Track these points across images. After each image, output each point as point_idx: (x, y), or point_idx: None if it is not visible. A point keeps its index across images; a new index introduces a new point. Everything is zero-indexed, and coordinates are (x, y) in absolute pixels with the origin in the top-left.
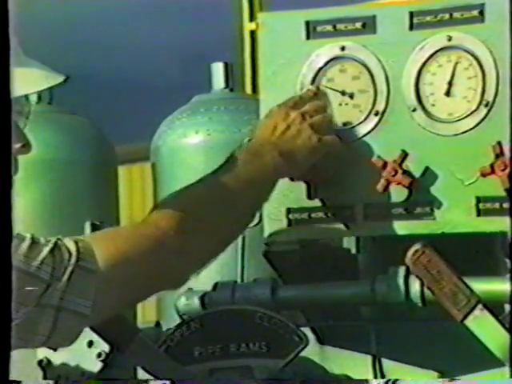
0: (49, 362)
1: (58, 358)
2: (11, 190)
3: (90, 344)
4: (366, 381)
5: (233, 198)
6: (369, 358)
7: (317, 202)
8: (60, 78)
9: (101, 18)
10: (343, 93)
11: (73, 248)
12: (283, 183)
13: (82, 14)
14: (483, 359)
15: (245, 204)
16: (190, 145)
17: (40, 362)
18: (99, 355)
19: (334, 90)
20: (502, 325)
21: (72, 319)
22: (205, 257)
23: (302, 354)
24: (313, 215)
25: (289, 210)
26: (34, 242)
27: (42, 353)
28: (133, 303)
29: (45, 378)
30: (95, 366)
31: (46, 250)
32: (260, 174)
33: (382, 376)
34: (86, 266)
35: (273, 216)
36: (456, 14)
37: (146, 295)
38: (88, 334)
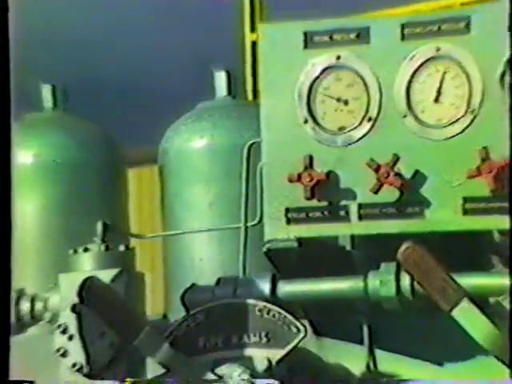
0: (65, 351)
1: (73, 346)
2: (11, 191)
3: (103, 334)
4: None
5: None
6: (363, 349)
7: (314, 202)
8: None
9: (109, 26)
10: (338, 99)
11: None
12: (281, 185)
13: (90, 22)
14: (469, 349)
15: None
16: (195, 148)
17: (58, 350)
18: (111, 344)
19: (332, 97)
20: (487, 316)
21: None
22: None
23: (300, 344)
24: (310, 214)
25: (287, 210)
26: None
27: (60, 342)
28: None
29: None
30: (107, 354)
31: None
32: None
33: (375, 364)
34: None
35: (273, 215)
36: (444, 26)
37: None
38: (100, 326)
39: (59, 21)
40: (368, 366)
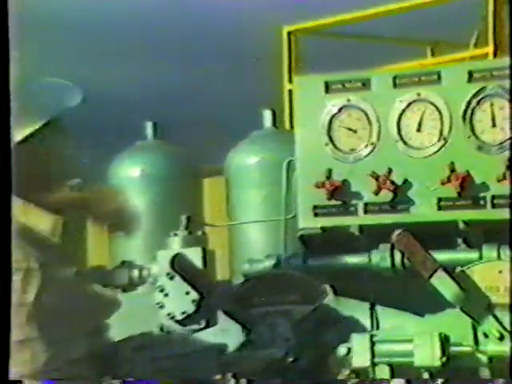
0: (162, 304)
1: (168, 301)
2: (11, 191)
3: (188, 293)
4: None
5: None
6: (368, 305)
7: (333, 202)
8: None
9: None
10: (350, 129)
11: None
12: (310, 189)
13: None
14: (442, 304)
15: None
16: (249, 164)
17: (157, 304)
18: (193, 301)
19: (345, 127)
20: (455, 281)
21: None
22: None
23: (324, 302)
24: (330, 210)
25: (315, 207)
26: None
27: (158, 298)
28: None
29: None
30: (191, 308)
31: None
32: None
33: (377, 321)
34: None
35: (304, 211)
36: (423, 78)
37: None
38: (184, 286)
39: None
40: (372, 316)
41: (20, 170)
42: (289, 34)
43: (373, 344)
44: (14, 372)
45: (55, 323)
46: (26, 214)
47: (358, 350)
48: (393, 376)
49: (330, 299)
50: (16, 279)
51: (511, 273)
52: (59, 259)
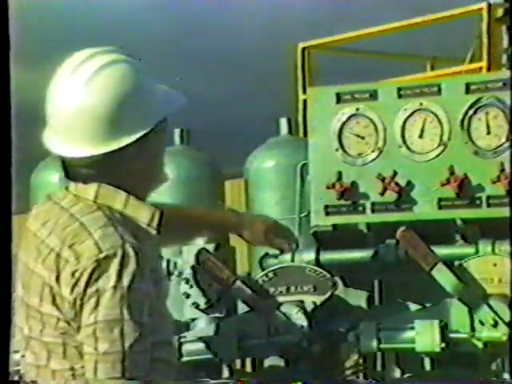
0: (188, 294)
1: (193, 292)
2: (11, 191)
3: (210, 284)
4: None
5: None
6: (375, 295)
7: (343, 202)
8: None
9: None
10: (358, 136)
11: None
12: (321, 190)
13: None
14: (441, 294)
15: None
16: (266, 167)
17: (183, 294)
18: (215, 291)
19: (354, 134)
20: (454, 274)
21: None
22: None
23: (334, 292)
24: (340, 209)
25: (326, 206)
26: None
27: (184, 289)
28: None
29: None
30: (214, 297)
31: None
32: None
33: (381, 301)
34: None
35: (317, 210)
36: (425, 90)
37: None
38: (208, 279)
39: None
40: (378, 306)
41: (128, 168)
42: (303, 49)
43: (379, 331)
44: (100, 348)
45: (145, 307)
46: (126, 205)
47: (365, 337)
48: (398, 362)
49: (340, 290)
50: (113, 263)
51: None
52: (153, 249)
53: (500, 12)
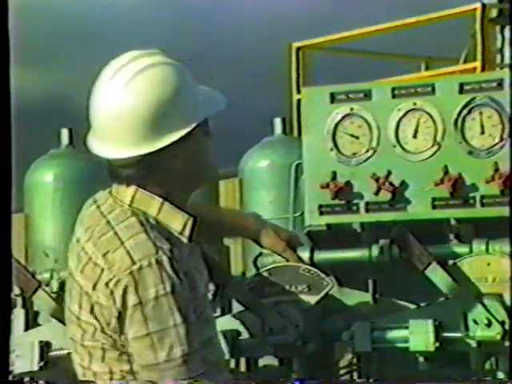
0: None
1: None
2: (11, 192)
3: (207, 284)
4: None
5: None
6: (369, 295)
7: (337, 201)
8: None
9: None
10: (352, 135)
11: None
12: (316, 190)
13: None
14: (435, 294)
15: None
16: (261, 167)
17: None
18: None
19: (348, 134)
20: (448, 273)
21: None
22: None
23: (329, 292)
24: (334, 209)
25: (320, 206)
26: None
27: None
28: None
29: None
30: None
31: None
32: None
33: (375, 301)
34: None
35: (311, 209)
36: (419, 89)
37: None
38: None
39: None
40: (372, 305)
41: (169, 168)
42: (298, 49)
43: (372, 331)
44: (161, 356)
45: (190, 308)
46: (160, 211)
47: (359, 336)
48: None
49: (334, 290)
50: (148, 273)
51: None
52: (185, 252)
53: (494, 12)
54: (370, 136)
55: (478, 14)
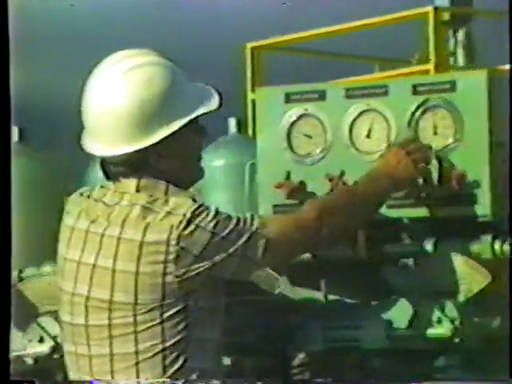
0: None
1: None
2: (10, 192)
3: None
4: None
5: (356, 205)
6: (321, 294)
7: (290, 201)
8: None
9: None
10: (306, 135)
11: (255, 221)
12: (270, 190)
13: None
14: (387, 293)
15: (362, 210)
16: (215, 167)
17: None
18: None
19: (302, 133)
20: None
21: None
22: (334, 237)
23: (282, 292)
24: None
25: (274, 206)
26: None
27: None
28: (291, 258)
29: None
30: None
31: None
32: (375, 194)
33: (326, 300)
34: (261, 233)
35: (264, 209)
36: (372, 90)
37: (298, 255)
38: None
39: None
40: (324, 305)
41: (158, 165)
42: (252, 49)
43: (326, 330)
44: (192, 368)
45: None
46: (167, 192)
47: (312, 336)
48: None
49: (286, 289)
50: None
51: (511, 269)
52: None
53: (446, 16)
54: (325, 136)
55: (431, 16)
